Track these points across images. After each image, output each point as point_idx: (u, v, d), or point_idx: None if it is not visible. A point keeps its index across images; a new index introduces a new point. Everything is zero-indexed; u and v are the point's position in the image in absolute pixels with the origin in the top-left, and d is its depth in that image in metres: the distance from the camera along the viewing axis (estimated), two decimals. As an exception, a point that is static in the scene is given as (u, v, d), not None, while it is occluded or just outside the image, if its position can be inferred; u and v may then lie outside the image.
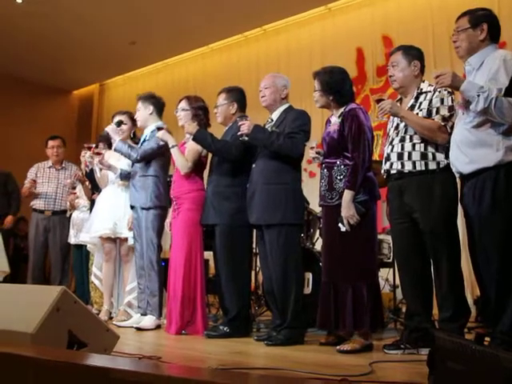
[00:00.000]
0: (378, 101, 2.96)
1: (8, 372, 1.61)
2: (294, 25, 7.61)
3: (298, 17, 7.49)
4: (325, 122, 3.41)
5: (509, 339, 2.43)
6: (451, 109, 2.87)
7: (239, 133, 3.41)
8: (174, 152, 3.87)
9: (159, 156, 4.12)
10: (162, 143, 3.97)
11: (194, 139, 3.68)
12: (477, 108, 2.51)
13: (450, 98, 2.90)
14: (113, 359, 1.84)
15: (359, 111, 3.12)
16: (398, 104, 3.07)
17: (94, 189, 5.02)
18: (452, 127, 2.84)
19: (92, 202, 5.00)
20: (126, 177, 4.38)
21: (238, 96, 3.81)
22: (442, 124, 2.85)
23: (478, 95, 2.48)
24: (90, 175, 4.87)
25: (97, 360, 1.60)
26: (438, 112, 2.88)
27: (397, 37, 6.40)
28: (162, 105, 4.30)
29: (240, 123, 3.41)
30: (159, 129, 3.95)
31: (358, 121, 3.06)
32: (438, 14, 6.17)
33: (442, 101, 2.90)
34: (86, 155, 4.40)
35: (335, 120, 3.22)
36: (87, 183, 5.16)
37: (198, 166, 3.93)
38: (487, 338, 2.54)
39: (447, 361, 1.59)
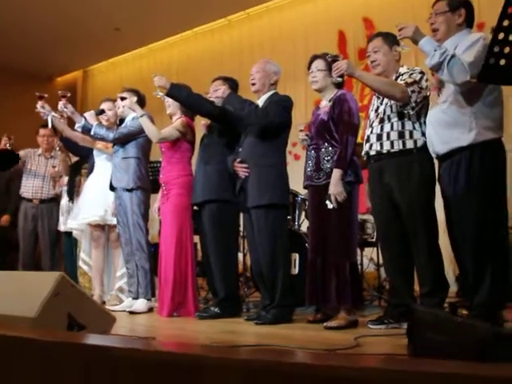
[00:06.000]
0: (333, 61, 3.00)
1: (13, 354, 1.67)
2: (276, 8, 7.61)
3: (280, 0, 7.50)
4: (307, 105, 3.48)
5: (485, 311, 2.56)
6: (416, 82, 2.93)
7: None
8: (144, 121, 3.89)
9: (138, 139, 4.15)
10: (141, 127, 4.01)
11: (167, 95, 3.69)
12: (431, 62, 2.61)
13: (419, 77, 2.97)
14: (114, 339, 1.92)
15: (350, 96, 3.26)
16: None
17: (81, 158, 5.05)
18: (412, 92, 2.91)
19: (70, 186, 5.03)
20: (88, 130, 4.25)
21: (233, 86, 3.85)
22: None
23: (435, 50, 2.59)
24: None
25: (100, 340, 1.68)
26: (403, 80, 2.97)
27: (378, 19, 6.44)
28: (144, 100, 4.34)
29: (216, 88, 3.69)
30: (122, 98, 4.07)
31: (349, 105, 3.18)
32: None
33: (410, 75, 2.99)
34: (37, 105, 4.36)
35: (325, 103, 3.32)
36: (67, 159, 5.17)
37: (185, 151, 3.98)
38: (465, 312, 2.68)
39: (426, 331, 1.71)
